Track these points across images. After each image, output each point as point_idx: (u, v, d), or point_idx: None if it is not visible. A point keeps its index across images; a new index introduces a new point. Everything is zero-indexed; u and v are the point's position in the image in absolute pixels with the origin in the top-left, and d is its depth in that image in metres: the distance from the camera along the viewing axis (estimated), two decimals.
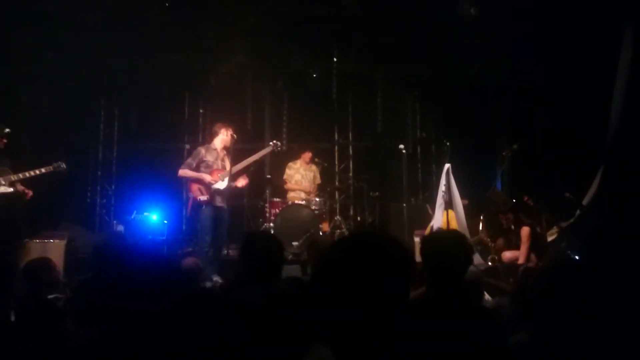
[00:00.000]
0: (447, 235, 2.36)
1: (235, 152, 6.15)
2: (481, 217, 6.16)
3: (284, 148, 8.54)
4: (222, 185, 5.85)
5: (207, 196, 5.77)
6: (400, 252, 1.22)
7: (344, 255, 1.21)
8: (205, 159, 5.88)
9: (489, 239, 6.18)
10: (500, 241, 6.00)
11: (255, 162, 6.34)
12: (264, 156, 8.37)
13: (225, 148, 6.01)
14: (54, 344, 2.42)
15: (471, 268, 3.47)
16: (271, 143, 6.58)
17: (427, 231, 5.93)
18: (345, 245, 1.27)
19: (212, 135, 6.17)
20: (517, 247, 5.69)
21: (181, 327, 1.56)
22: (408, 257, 1.23)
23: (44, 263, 3.18)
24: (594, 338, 1.86)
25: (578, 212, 5.94)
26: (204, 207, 5.77)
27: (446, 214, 5.49)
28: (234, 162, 5.95)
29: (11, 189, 5.31)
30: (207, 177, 5.80)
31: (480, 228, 6.27)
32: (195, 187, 5.87)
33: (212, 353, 1.59)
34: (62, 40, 6.91)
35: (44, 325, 2.58)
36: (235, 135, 6.01)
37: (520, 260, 5.49)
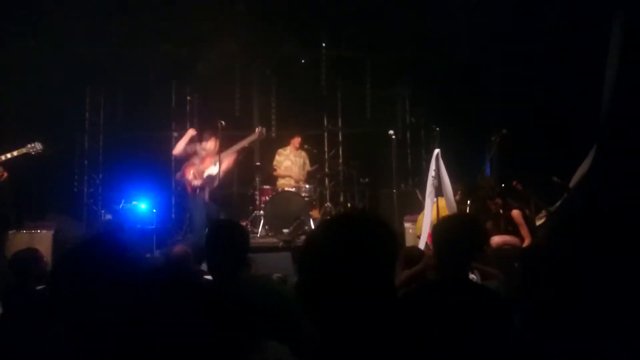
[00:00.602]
0: (457, 221, 2.31)
1: (224, 138, 6.15)
2: (468, 203, 6.16)
3: (273, 135, 8.52)
4: (214, 170, 6.01)
5: (201, 181, 5.88)
6: (387, 232, 1.20)
7: (329, 237, 1.19)
8: (203, 146, 6.14)
9: None
10: (488, 225, 6.01)
11: (243, 149, 6.50)
12: (253, 143, 8.35)
13: (209, 155, 6.20)
14: (43, 335, 2.40)
15: None
16: (257, 129, 6.67)
17: (420, 218, 5.95)
18: (330, 227, 1.24)
19: (201, 139, 6.30)
20: (506, 232, 5.71)
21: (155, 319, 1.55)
22: (394, 238, 1.22)
23: (31, 254, 3.13)
24: (582, 323, 1.88)
25: (565, 195, 6.00)
26: (196, 196, 5.83)
27: (436, 203, 5.48)
28: (221, 150, 6.12)
29: None
30: (190, 132, 6.12)
31: (468, 212, 6.25)
32: (189, 171, 5.98)
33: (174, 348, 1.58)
34: (46, 28, 6.76)
35: (33, 317, 2.54)
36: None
37: (527, 242, 5.49)
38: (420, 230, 5.67)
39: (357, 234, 1.17)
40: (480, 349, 1.67)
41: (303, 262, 1.21)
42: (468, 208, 6.14)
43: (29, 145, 5.48)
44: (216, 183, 6.10)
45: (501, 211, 5.77)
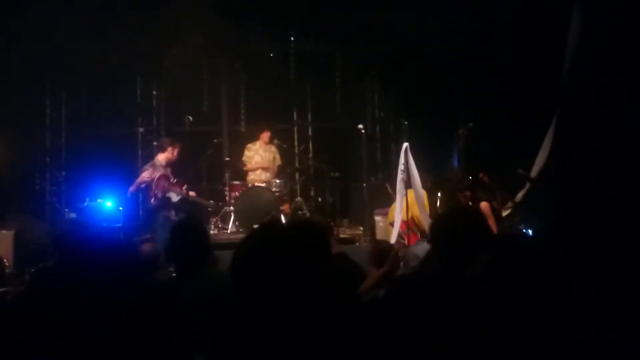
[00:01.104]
0: (457, 216, 2.27)
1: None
2: (439, 195, 6.25)
3: (242, 129, 8.44)
4: (175, 198, 6.01)
5: (161, 196, 5.87)
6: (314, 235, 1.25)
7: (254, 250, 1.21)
8: (144, 179, 5.94)
9: None
10: None
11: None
12: (223, 139, 8.28)
13: (168, 165, 6.06)
14: (6, 339, 2.31)
15: (425, 246, 3.54)
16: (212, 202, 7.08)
17: (392, 208, 6.00)
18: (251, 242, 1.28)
19: (158, 149, 6.22)
20: None
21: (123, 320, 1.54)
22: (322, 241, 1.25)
23: None
24: (547, 313, 1.92)
25: (528, 185, 6.17)
26: (161, 213, 5.87)
27: (406, 199, 5.53)
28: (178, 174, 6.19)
29: None
30: (141, 179, 5.94)
31: (438, 205, 6.36)
32: (162, 183, 5.91)
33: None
34: (4, 21, 6.49)
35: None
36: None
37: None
38: (393, 219, 5.73)
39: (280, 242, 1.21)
40: (472, 348, 1.67)
41: (237, 273, 1.25)
42: (438, 200, 6.23)
43: None
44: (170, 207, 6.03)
45: (470, 203, 5.86)
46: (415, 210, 5.58)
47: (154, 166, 6.00)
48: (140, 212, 8.01)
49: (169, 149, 6.01)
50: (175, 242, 2.48)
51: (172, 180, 6.00)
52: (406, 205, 5.43)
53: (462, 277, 1.95)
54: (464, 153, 6.96)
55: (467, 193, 5.84)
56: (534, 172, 5.69)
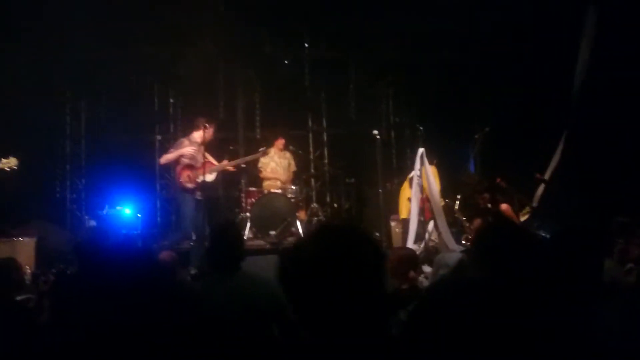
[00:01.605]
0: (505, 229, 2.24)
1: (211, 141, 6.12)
2: (458, 197, 6.16)
3: (257, 136, 8.49)
4: (210, 177, 5.95)
5: (194, 185, 5.85)
6: (372, 247, 1.23)
7: (314, 253, 1.20)
8: (187, 152, 5.90)
9: (464, 219, 6.18)
10: (477, 222, 5.99)
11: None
12: (238, 146, 8.34)
13: (202, 143, 6.03)
14: (27, 346, 2.36)
15: (456, 254, 3.50)
16: (260, 150, 6.90)
17: (401, 204, 6.00)
18: (315, 242, 1.25)
19: (193, 127, 6.11)
20: None
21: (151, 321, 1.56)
22: (379, 253, 1.23)
23: (8, 264, 3.06)
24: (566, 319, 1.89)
25: (542, 188, 6.09)
26: (187, 194, 5.85)
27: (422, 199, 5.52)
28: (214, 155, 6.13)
29: None
30: (184, 151, 5.87)
31: (457, 207, 6.26)
32: (185, 173, 5.91)
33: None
34: (25, 32, 6.65)
35: (16, 328, 2.50)
36: (207, 125, 5.95)
37: None
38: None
39: (342, 249, 1.19)
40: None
41: (288, 271, 1.22)
42: (457, 204, 6.13)
43: (3, 161, 5.21)
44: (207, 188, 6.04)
45: (489, 205, 5.79)
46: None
47: (190, 141, 5.99)
48: (159, 218, 8.13)
49: (205, 127, 5.97)
50: (216, 243, 2.75)
51: (202, 161, 5.94)
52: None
53: (506, 284, 1.93)
54: (480, 157, 6.91)
55: (486, 195, 5.79)
56: (547, 174, 5.63)
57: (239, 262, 2.73)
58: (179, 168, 5.96)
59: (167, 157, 6.02)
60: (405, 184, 6.19)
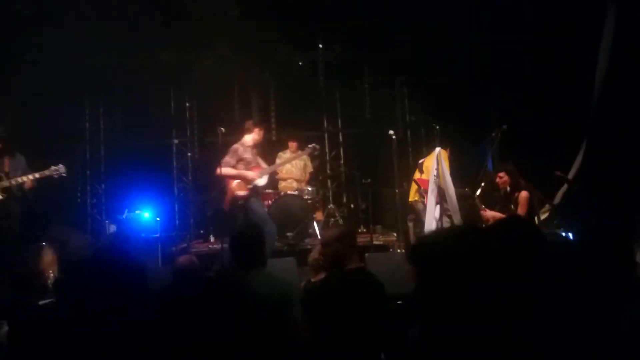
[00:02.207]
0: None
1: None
2: (482, 185, 5.95)
3: (273, 138, 8.51)
4: (262, 181, 5.93)
5: (247, 192, 5.83)
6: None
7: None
8: (243, 157, 5.90)
9: (483, 207, 5.98)
10: (496, 210, 5.79)
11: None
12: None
13: (254, 146, 6.05)
14: (51, 351, 2.39)
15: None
16: (309, 146, 6.71)
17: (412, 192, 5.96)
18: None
19: (244, 132, 6.11)
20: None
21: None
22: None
23: (31, 269, 3.12)
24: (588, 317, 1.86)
25: (566, 187, 5.97)
26: (246, 201, 5.82)
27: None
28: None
29: (0, 197, 5.15)
30: (249, 174, 5.84)
31: (478, 194, 6.04)
32: (234, 184, 5.88)
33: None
34: (42, 41, 6.78)
35: (38, 333, 2.54)
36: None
37: None
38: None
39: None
40: None
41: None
42: (480, 189, 5.91)
43: (52, 168, 5.28)
44: (261, 193, 6.07)
45: (508, 189, 5.61)
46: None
47: (243, 146, 5.96)
48: (177, 221, 8.20)
49: (256, 130, 6.00)
50: (241, 244, 2.88)
51: (252, 165, 5.95)
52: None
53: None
54: (498, 156, 6.82)
55: (502, 174, 5.61)
56: (571, 174, 5.51)
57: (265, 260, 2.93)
58: (227, 180, 5.88)
59: (229, 172, 5.83)
60: (416, 170, 6.15)
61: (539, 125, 6.48)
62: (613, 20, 5.03)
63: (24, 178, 5.21)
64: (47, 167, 5.37)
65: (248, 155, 5.93)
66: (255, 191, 5.90)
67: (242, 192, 5.83)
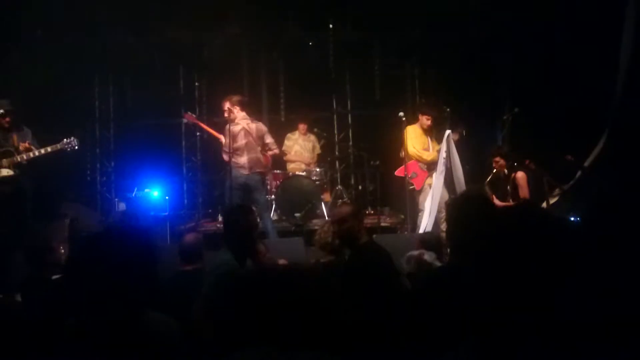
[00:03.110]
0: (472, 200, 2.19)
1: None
2: (494, 171, 5.89)
3: (282, 119, 8.49)
4: (252, 155, 5.87)
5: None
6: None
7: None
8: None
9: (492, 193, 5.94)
10: (486, 187, 5.72)
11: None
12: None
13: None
14: (60, 325, 2.44)
15: None
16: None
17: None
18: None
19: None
20: (505, 195, 5.52)
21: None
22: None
23: (45, 244, 3.17)
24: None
25: (579, 173, 5.92)
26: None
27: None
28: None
29: (12, 172, 5.13)
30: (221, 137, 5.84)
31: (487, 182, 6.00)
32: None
33: None
34: (52, 19, 6.75)
35: (50, 307, 2.58)
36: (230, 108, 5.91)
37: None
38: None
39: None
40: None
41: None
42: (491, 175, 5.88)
43: (64, 141, 5.21)
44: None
45: (505, 171, 5.61)
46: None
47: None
48: (186, 200, 8.24)
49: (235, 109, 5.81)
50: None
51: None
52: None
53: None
54: (509, 139, 6.76)
55: (498, 159, 5.59)
56: (588, 161, 5.42)
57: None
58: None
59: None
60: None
61: (552, 108, 6.39)
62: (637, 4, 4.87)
63: (36, 152, 5.16)
64: (59, 140, 5.34)
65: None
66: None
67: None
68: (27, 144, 5.18)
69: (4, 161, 5.11)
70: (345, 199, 7.64)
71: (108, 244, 1.49)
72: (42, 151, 5.21)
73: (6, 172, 5.10)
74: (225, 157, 5.83)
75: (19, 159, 5.11)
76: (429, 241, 3.42)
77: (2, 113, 5.14)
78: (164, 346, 1.47)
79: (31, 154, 5.15)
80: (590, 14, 5.52)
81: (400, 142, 6.09)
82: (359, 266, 2.84)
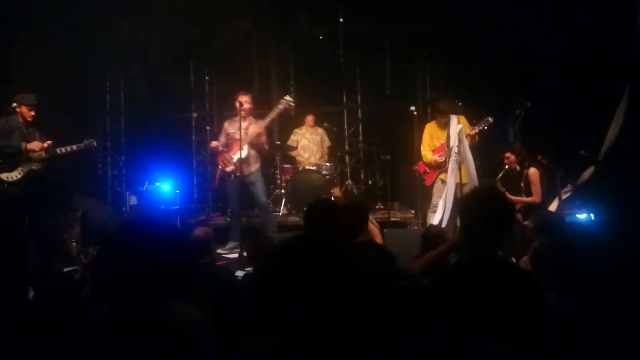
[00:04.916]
0: (487, 195, 2.15)
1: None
2: (506, 167, 5.84)
3: (292, 113, 8.45)
4: (243, 153, 5.89)
5: (233, 167, 5.91)
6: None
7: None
8: (228, 131, 6.06)
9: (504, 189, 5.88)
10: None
11: (272, 121, 6.37)
12: (273, 122, 8.32)
13: (246, 116, 5.97)
14: (72, 317, 2.45)
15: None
16: (282, 100, 6.20)
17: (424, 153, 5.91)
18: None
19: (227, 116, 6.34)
20: (518, 191, 5.47)
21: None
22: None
23: (56, 237, 3.19)
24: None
25: (593, 168, 5.82)
26: (231, 177, 5.94)
27: (459, 174, 5.41)
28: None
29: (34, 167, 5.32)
30: (213, 143, 6.17)
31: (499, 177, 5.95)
32: (219, 159, 6.04)
33: None
34: (64, 12, 6.78)
35: (62, 299, 2.60)
36: (242, 103, 5.90)
37: (536, 199, 5.28)
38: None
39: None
40: (512, 330, 1.63)
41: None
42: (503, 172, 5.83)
43: (86, 141, 5.61)
44: (252, 163, 6.03)
45: (517, 167, 5.54)
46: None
47: (230, 121, 6.16)
48: (196, 194, 8.27)
49: (238, 98, 5.96)
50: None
51: (235, 138, 5.97)
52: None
53: (495, 262, 1.88)
54: (521, 134, 6.67)
55: (509, 155, 5.53)
56: (601, 152, 5.33)
57: None
58: (216, 157, 6.15)
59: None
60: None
61: (565, 103, 6.30)
62: None
63: (63, 149, 5.48)
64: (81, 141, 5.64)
65: (232, 129, 5.99)
66: (241, 164, 5.83)
67: (228, 168, 5.95)
68: (49, 141, 5.44)
69: (34, 155, 5.34)
70: (355, 194, 7.62)
71: (141, 237, 1.48)
72: (68, 148, 5.54)
73: (17, 174, 5.28)
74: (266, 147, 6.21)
75: (45, 155, 5.35)
76: (428, 236, 3.40)
77: (29, 106, 5.37)
78: (189, 340, 1.46)
79: (58, 151, 5.46)
80: (606, 5, 5.41)
81: (413, 137, 6.06)
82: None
